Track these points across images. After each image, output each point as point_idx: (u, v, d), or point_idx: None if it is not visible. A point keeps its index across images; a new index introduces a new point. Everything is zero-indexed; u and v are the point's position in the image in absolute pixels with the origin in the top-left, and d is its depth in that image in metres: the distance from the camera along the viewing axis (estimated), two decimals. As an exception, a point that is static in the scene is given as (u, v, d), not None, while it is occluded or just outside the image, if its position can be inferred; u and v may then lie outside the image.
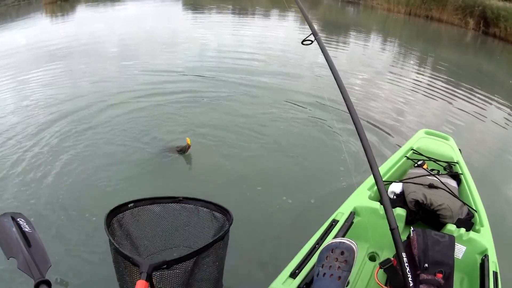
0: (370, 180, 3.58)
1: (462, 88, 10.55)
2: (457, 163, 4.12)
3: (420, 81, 10.83)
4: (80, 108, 8.25)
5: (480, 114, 8.78)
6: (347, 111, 2.65)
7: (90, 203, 4.95)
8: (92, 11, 27.57)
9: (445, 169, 4.02)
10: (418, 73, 11.71)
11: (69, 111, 8.01)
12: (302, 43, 2.97)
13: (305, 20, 3.14)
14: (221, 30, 16.97)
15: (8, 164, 6.08)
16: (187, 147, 6.08)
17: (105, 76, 10.75)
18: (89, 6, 29.55)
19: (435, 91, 10.08)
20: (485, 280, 2.68)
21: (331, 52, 9.19)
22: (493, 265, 2.81)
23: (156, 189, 5.15)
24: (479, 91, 10.43)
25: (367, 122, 7.39)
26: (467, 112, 8.74)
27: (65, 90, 9.59)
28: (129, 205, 2.75)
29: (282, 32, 16.14)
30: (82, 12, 27.54)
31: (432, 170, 3.83)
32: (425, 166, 3.90)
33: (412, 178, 3.52)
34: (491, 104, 9.68)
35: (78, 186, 5.43)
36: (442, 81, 11.08)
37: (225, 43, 14.26)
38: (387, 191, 3.42)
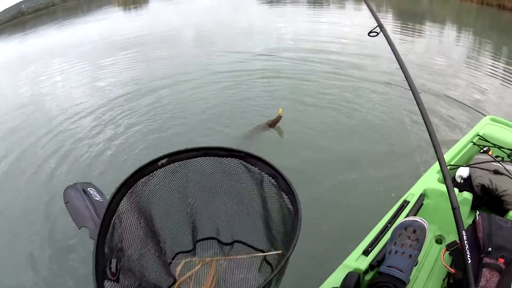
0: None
1: None
2: None
3: (492, 71, 10.54)
4: (164, 88, 8.87)
5: None
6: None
7: None
8: (165, 3, 27.65)
9: (509, 156, 3.97)
10: (491, 64, 11.32)
11: (150, 93, 8.65)
12: (368, 34, 3.01)
13: (371, 12, 3.18)
14: (295, 19, 17.13)
15: (86, 139, 6.67)
16: (279, 118, 6.31)
17: (183, 60, 11.24)
18: None
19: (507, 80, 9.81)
20: None
21: (404, 42, 9.53)
22: None
23: None
24: None
25: (438, 107, 7.51)
26: None
27: (140, 77, 10.15)
28: (160, 162, 2.14)
29: (357, 21, 15.77)
30: (155, 4, 27.77)
31: (497, 156, 3.81)
32: (490, 152, 3.90)
33: (478, 163, 3.53)
34: None
35: None
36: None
37: (301, 32, 14.32)
38: (454, 175, 3.54)
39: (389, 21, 17.56)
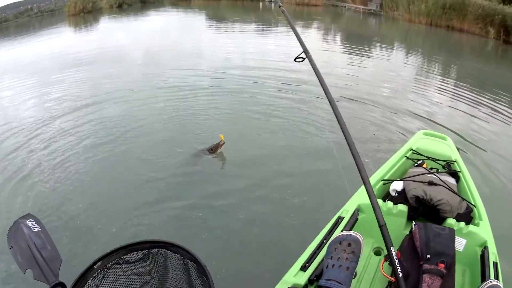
0: (373, 179, 3.71)
1: (473, 92, 10.83)
2: (455, 161, 4.20)
3: (439, 88, 11.09)
4: (103, 109, 8.76)
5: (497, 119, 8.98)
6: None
7: (114, 213, 5.07)
8: (115, 22, 27.87)
9: (443, 167, 4.11)
10: (437, 82, 11.89)
11: (92, 113, 8.50)
12: (295, 60, 3.02)
13: (297, 38, 3.18)
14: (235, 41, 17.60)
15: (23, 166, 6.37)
16: (220, 144, 6.27)
17: (129, 79, 11.26)
18: (112, 18, 29.93)
19: (453, 97, 10.40)
20: (485, 271, 2.73)
21: (352, 64, 10.08)
22: (493, 256, 2.87)
23: (190, 195, 5.42)
24: (486, 94, 10.70)
25: (372, 124, 7.93)
26: (481, 116, 8.99)
27: (89, 93, 10.12)
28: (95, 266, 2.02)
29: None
30: (105, 24, 27.87)
31: (431, 168, 3.90)
32: (424, 165, 3.99)
33: (412, 176, 3.61)
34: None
35: (102, 191, 5.61)
36: (455, 87, 11.32)
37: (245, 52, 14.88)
38: (388, 190, 3.61)
39: (337, 43, 18.15)
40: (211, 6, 33.88)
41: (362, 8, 31.14)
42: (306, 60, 3.03)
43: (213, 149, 6.36)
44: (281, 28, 21.91)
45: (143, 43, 17.82)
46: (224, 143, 6.29)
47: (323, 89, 2.82)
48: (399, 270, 2.25)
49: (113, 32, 23.91)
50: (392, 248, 2.30)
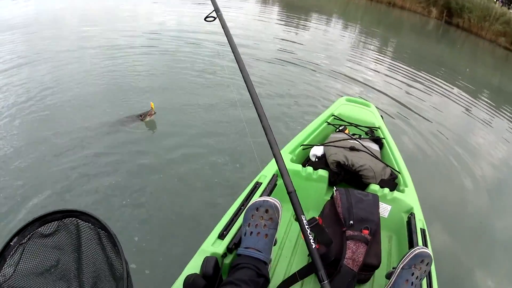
0: (292, 144, 3.54)
1: (403, 65, 10.91)
2: (378, 128, 4.07)
3: (370, 59, 11.13)
4: (29, 70, 8.11)
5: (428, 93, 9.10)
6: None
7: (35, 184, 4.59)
8: None
9: (366, 133, 3.97)
10: (373, 54, 11.90)
11: (16, 74, 7.82)
12: (205, 19, 2.79)
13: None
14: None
15: None
16: (150, 112, 5.92)
17: (60, 40, 10.67)
18: None
19: (387, 68, 10.48)
20: (413, 237, 2.66)
21: (288, 32, 9.07)
22: (419, 222, 2.79)
23: (116, 164, 4.97)
24: (421, 68, 10.87)
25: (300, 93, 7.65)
26: (412, 92, 8.99)
27: (15, 53, 9.35)
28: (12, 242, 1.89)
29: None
30: None
31: (354, 134, 3.75)
32: (346, 131, 3.83)
33: (333, 142, 3.43)
34: (443, 86, 9.95)
35: (24, 162, 5.04)
36: (391, 60, 11.46)
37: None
38: (308, 155, 3.47)
39: (274, 12, 17.81)
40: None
41: None
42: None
43: (142, 116, 6.01)
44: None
45: (79, 6, 17.07)
46: (155, 113, 5.96)
47: (232, 51, 2.62)
48: (311, 239, 2.11)
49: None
50: (303, 217, 2.17)
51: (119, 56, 9.25)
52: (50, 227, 1.96)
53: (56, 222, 1.97)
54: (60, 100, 6.75)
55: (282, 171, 2.27)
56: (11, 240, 1.85)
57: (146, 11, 15.57)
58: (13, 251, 1.87)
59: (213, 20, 2.74)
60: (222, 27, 2.70)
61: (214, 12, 2.74)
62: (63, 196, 4.31)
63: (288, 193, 2.23)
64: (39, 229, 1.94)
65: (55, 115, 6.22)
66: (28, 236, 1.91)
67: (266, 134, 2.33)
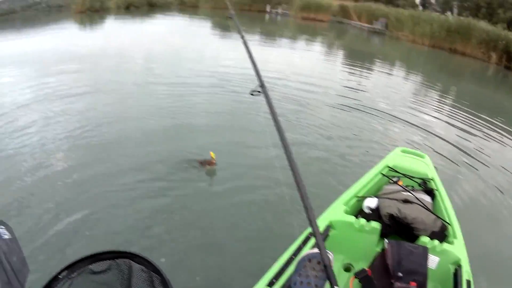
0: (347, 194, 3.62)
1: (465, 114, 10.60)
2: (432, 179, 4.13)
3: (430, 107, 10.98)
4: (97, 101, 8.65)
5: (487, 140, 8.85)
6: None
7: (88, 216, 4.87)
8: (121, 23, 27.55)
9: (420, 185, 4.03)
10: (433, 101, 11.74)
11: (84, 105, 8.36)
12: (251, 94, 2.77)
13: (255, 71, 2.94)
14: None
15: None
16: (210, 161, 6.03)
17: (128, 76, 11.18)
18: (119, 19, 29.62)
19: (445, 116, 10.25)
20: None
21: (352, 75, 9.23)
22: (466, 274, 2.80)
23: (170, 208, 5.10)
24: (480, 116, 10.50)
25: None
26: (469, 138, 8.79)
27: (85, 85, 10.05)
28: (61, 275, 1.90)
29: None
30: (111, 24, 27.54)
31: (407, 186, 3.83)
32: (400, 183, 3.90)
33: (387, 193, 3.54)
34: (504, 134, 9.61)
35: (90, 199, 5.30)
36: (451, 107, 11.20)
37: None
38: (362, 206, 3.52)
39: (339, 58, 17.99)
40: (217, 15, 33.74)
41: (367, 27, 30.88)
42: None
43: (201, 163, 6.14)
44: (284, 40, 21.86)
45: (146, 44, 17.67)
46: (215, 163, 6.06)
47: (276, 125, 2.51)
48: None
49: (117, 32, 23.74)
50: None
51: (183, 94, 9.64)
52: (102, 265, 1.98)
53: (109, 261, 1.98)
54: (121, 132, 7.17)
55: (319, 243, 2.05)
56: (59, 273, 1.87)
57: (213, 53, 16.02)
58: (61, 284, 1.87)
59: (259, 94, 2.75)
60: (267, 103, 2.70)
61: (260, 87, 2.78)
62: (121, 235, 4.54)
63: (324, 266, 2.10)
64: (90, 265, 1.96)
65: (115, 147, 6.63)
66: (78, 271, 1.92)
67: (303, 200, 2.12)
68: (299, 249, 2.84)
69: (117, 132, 7.23)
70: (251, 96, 2.70)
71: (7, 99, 9.05)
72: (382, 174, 4.16)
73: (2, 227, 2.14)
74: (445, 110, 10.84)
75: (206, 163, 6.08)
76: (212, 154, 6.00)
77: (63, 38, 20.26)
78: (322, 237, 2.80)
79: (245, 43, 3.25)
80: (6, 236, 2.06)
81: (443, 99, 12.23)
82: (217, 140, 7.06)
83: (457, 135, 8.70)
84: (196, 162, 6.17)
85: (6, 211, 4.99)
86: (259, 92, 2.74)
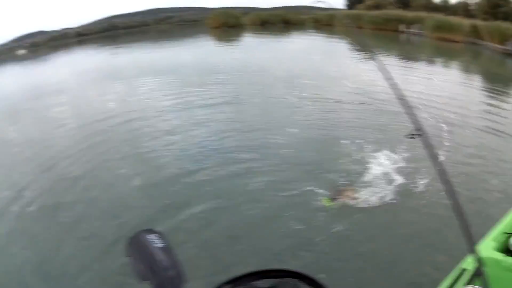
0: (495, 231, 3.54)
1: None
2: None
3: None
4: (242, 112, 9.74)
5: None
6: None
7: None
8: (257, 41, 28.08)
9: None
10: None
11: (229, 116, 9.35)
12: (406, 136, 2.78)
13: (409, 114, 2.87)
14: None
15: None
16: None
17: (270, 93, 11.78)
18: (256, 36, 30.17)
19: None
20: None
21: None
22: None
23: None
24: None
25: None
26: None
27: (224, 97, 11.07)
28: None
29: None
30: (247, 40, 28.14)
31: None
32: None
33: None
34: None
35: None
36: None
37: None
38: (509, 242, 3.42)
39: (475, 82, 17.34)
40: (353, 33, 33.40)
41: (500, 48, 28.63)
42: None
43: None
44: (424, 67, 21.38)
45: (284, 63, 17.95)
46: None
47: (436, 167, 2.57)
48: None
49: (254, 49, 24.12)
50: None
51: (329, 109, 9.95)
52: (267, 282, 1.77)
53: (275, 279, 1.78)
54: (270, 144, 7.76)
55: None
56: (221, 286, 1.65)
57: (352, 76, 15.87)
58: None
59: (414, 137, 2.73)
60: (428, 149, 2.66)
61: (416, 130, 2.73)
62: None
63: None
64: (256, 282, 1.77)
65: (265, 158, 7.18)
66: (241, 286, 1.76)
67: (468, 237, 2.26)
68: (453, 284, 2.86)
69: (264, 143, 7.88)
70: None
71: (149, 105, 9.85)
72: None
73: (157, 235, 2.25)
74: None
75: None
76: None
77: (200, 51, 21.16)
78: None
79: (394, 86, 3.23)
80: (160, 244, 2.22)
81: None
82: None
83: None
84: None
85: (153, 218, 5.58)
86: (412, 135, 2.73)
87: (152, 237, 1.84)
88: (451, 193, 2.34)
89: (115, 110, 11.11)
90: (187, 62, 18.06)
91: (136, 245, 1.83)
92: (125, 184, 6.95)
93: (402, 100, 2.99)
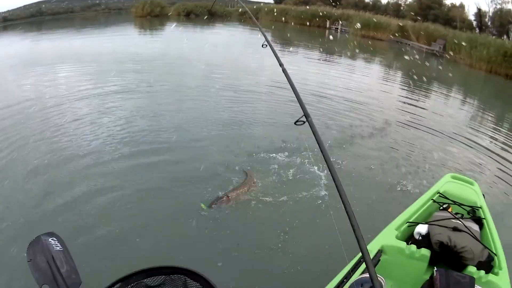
0: (398, 220, 3.62)
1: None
2: (480, 207, 4.09)
3: (484, 135, 10.52)
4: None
5: None
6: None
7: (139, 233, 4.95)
8: (181, 30, 27.89)
9: (468, 213, 3.99)
10: (487, 130, 11.23)
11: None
12: (295, 123, 2.77)
13: (298, 101, 2.98)
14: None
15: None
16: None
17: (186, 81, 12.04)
18: (179, 26, 30.03)
19: (498, 145, 9.85)
20: None
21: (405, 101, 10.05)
22: None
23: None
24: None
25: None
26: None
27: (137, 86, 11.12)
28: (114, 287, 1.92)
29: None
30: (170, 30, 27.92)
31: (457, 213, 3.79)
32: (450, 210, 3.87)
33: (438, 220, 3.50)
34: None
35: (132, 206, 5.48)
36: (506, 136, 10.72)
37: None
38: (413, 232, 3.50)
39: (396, 81, 18.02)
40: (277, 27, 33.64)
41: (426, 48, 29.81)
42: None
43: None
44: (344, 60, 21.80)
45: (203, 54, 18.04)
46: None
47: (322, 154, 2.49)
48: None
49: (176, 39, 24.06)
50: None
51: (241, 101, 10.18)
52: (157, 280, 1.95)
53: (164, 276, 1.95)
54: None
55: (369, 269, 1.98)
56: (113, 284, 1.86)
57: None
58: None
59: (303, 124, 2.75)
60: (313, 132, 2.68)
61: (304, 117, 2.78)
62: (166, 248, 4.68)
63: None
64: (145, 280, 1.94)
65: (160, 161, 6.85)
66: (132, 284, 1.91)
67: (352, 224, 2.09)
68: (351, 272, 2.84)
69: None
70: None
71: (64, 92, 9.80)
72: (433, 200, 4.14)
73: (54, 238, 2.16)
74: (500, 138, 10.44)
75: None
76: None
77: (122, 41, 20.83)
78: (374, 262, 2.88)
79: (285, 72, 3.32)
80: (58, 248, 2.09)
81: (498, 127, 11.80)
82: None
83: (510, 163, 8.43)
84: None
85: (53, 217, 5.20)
86: (302, 122, 2.74)
87: (50, 241, 2.08)
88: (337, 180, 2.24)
89: (28, 96, 10.72)
90: (108, 51, 17.74)
91: (35, 249, 2.04)
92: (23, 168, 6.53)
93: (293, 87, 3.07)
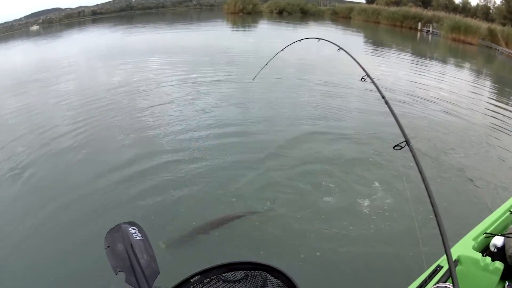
0: (476, 230, 3.46)
1: None
2: None
3: None
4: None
5: None
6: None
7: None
8: (273, 28, 27.79)
9: None
10: None
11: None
12: (394, 147, 2.74)
13: (399, 127, 2.99)
14: None
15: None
16: None
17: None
18: (272, 23, 30.08)
19: None
20: None
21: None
22: None
23: None
24: None
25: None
26: None
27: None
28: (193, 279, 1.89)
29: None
30: (263, 27, 27.96)
31: None
32: (526, 222, 3.63)
33: None
34: None
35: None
36: None
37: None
38: (489, 243, 3.39)
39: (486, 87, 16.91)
40: (369, 28, 32.91)
41: None
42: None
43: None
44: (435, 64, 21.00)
45: (296, 51, 17.96)
46: None
47: (422, 178, 2.46)
48: None
49: (268, 36, 23.99)
50: None
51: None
52: (237, 275, 1.90)
53: (244, 272, 1.90)
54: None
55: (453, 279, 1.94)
56: (192, 276, 1.83)
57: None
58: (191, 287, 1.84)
59: (401, 148, 2.72)
60: (413, 157, 2.66)
61: (404, 142, 2.75)
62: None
63: None
64: (225, 274, 1.89)
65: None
66: (211, 277, 1.87)
67: (441, 234, 2.10)
68: (426, 281, 2.78)
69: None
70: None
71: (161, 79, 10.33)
72: (510, 211, 3.88)
73: (135, 228, 2.20)
74: None
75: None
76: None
77: (214, 36, 21.06)
78: (448, 273, 2.74)
79: (387, 104, 3.33)
80: (138, 237, 2.15)
81: None
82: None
83: None
84: None
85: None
86: (401, 147, 2.72)
87: (131, 230, 2.14)
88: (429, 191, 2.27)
89: (120, 82, 11.26)
90: (199, 44, 18.04)
91: (115, 236, 2.10)
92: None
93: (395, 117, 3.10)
